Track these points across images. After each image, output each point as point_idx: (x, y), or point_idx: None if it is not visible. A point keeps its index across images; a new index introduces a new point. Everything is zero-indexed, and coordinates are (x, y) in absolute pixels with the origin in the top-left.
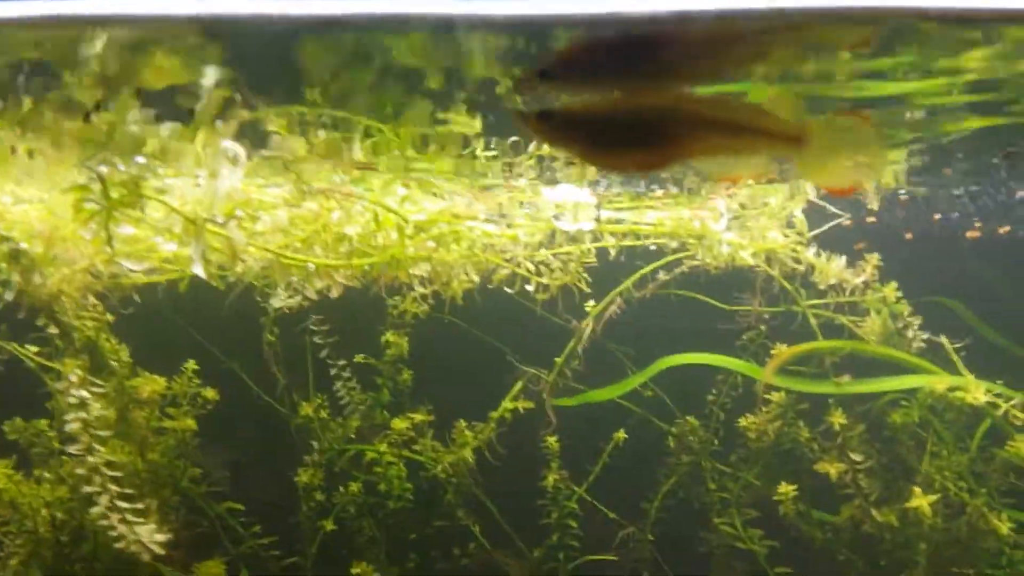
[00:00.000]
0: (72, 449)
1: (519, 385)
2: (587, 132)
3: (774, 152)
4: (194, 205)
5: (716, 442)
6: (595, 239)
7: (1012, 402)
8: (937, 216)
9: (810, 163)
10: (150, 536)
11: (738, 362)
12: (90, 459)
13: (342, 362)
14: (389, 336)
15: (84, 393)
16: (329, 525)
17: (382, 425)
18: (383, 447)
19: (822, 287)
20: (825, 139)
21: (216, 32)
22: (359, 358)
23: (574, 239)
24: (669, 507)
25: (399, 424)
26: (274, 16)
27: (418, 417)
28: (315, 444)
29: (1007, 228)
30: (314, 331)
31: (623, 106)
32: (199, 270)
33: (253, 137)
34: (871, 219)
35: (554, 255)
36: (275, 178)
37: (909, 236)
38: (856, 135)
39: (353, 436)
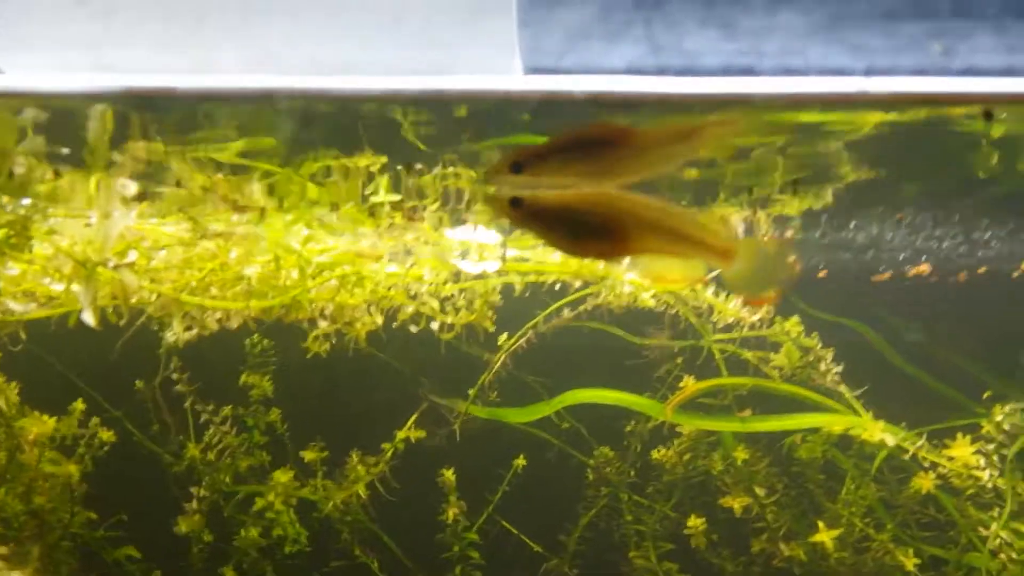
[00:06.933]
0: None
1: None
2: (553, 220)
3: (706, 260)
4: (84, 247)
5: (632, 473)
6: (500, 277)
7: (918, 444)
8: None
9: (735, 276)
10: None
11: (640, 399)
12: None
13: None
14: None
15: None
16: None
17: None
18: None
19: (720, 325)
20: (750, 257)
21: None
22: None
23: (480, 277)
24: (588, 539)
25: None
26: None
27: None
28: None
29: None
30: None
31: (584, 201)
32: (88, 318)
33: (151, 174)
34: None
35: (460, 291)
36: (172, 216)
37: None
38: (777, 256)
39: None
